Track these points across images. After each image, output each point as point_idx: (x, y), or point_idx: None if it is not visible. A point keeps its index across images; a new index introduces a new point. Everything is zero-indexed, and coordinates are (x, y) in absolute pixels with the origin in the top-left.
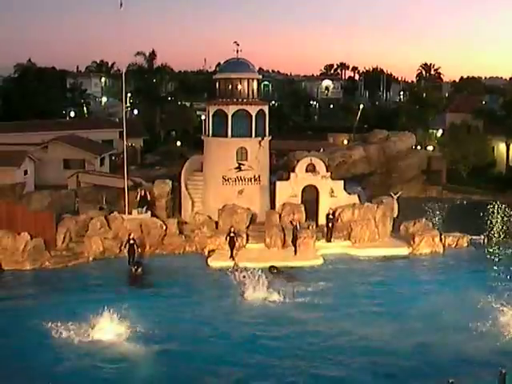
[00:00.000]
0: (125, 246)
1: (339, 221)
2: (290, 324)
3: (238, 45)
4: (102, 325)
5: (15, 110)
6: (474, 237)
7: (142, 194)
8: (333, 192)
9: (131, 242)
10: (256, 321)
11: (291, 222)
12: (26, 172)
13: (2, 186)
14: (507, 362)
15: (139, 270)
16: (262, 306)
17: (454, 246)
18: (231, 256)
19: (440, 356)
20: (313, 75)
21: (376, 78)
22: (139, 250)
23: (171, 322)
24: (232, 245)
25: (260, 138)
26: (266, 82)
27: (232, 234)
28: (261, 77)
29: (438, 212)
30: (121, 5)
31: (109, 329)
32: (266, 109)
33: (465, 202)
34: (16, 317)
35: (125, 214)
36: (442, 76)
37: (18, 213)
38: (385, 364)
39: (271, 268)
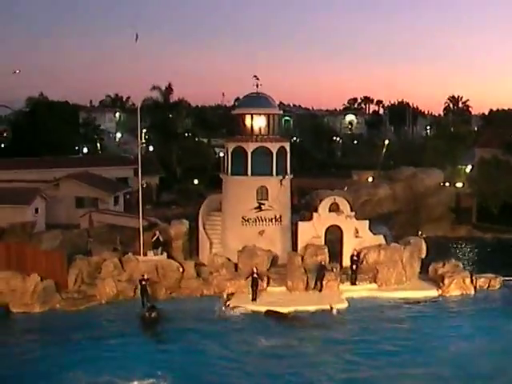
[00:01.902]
0: (137, 287)
1: (364, 262)
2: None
3: (257, 79)
4: None
5: (26, 145)
6: (506, 278)
7: (157, 234)
8: (357, 232)
9: (143, 282)
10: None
11: (320, 263)
12: (36, 210)
13: (12, 225)
14: None
15: (153, 314)
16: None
17: (485, 287)
18: (253, 299)
19: None
20: (336, 109)
21: (401, 112)
22: (150, 290)
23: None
24: (255, 287)
25: (281, 177)
26: (286, 118)
27: (255, 275)
28: (281, 112)
29: (468, 252)
30: (136, 38)
31: None
32: (287, 146)
33: (496, 241)
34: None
35: (140, 255)
36: (470, 109)
37: (28, 253)
38: None
39: (268, 312)
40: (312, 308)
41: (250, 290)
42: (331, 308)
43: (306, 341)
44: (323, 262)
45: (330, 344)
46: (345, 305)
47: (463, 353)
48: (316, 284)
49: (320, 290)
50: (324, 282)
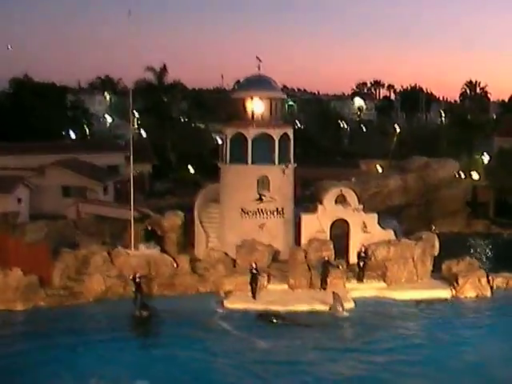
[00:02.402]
0: (130, 285)
1: (373, 259)
2: None
3: (260, 60)
4: None
5: (9, 129)
6: None
7: (149, 226)
8: (365, 227)
9: (137, 280)
10: None
11: (324, 259)
12: (19, 200)
13: None
14: None
15: (145, 313)
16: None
17: (503, 287)
18: (253, 296)
19: None
20: (343, 94)
21: (414, 98)
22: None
23: None
24: (254, 283)
25: (284, 166)
26: (290, 102)
27: (254, 271)
28: (285, 96)
29: (484, 249)
30: (129, 14)
31: None
32: (290, 132)
33: None
34: None
35: (130, 249)
36: (489, 95)
37: (10, 245)
38: None
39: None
40: (315, 307)
41: (249, 287)
42: (330, 308)
43: (305, 343)
44: (327, 258)
45: (331, 348)
46: (351, 304)
47: (480, 361)
48: (321, 282)
49: (324, 289)
50: (329, 280)
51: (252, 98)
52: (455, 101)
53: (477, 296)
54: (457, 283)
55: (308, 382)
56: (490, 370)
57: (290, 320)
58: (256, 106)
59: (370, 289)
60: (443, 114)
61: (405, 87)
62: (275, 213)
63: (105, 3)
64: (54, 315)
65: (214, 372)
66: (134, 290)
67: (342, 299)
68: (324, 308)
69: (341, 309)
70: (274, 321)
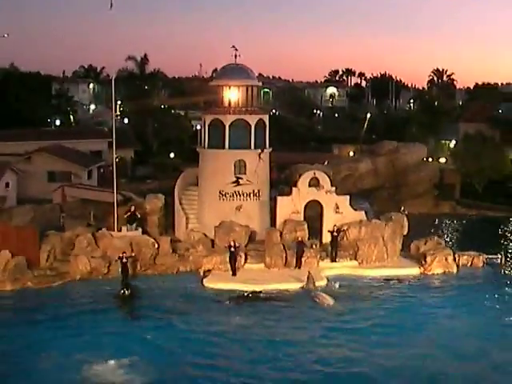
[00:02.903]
0: (119, 265)
1: (345, 239)
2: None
3: (236, 49)
4: None
5: None
6: (490, 256)
7: (131, 209)
8: (338, 208)
9: (124, 260)
10: None
11: (299, 239)
12: (7, 184)
13: None
14: None
15: (128, 292)
16: None
17: (468, 265)
18: (233, 274)
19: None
20: (316, 82)
21: (384, 85)
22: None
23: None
24: (233, 261)
25: (259, 150)
26: (266, 90)
27: (232, 249)
28: (261, 84)
29: (451, 229)
30: (111, 5)
31: None
32: (265, 118)
33: (480, 219)
34: None
35: (114, 231)
36: (455, 83)
37: None
38: None
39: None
40: (290, 285)
41: (228, 264)
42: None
43: (280, 319)
44: (301, 239)
45: (307, 323)
46: (323, 282)
47: (446, 332)
48: (296, 261)
49: (299, 267)
50: (303, 259)
51: (229, 86)
52: (423, 88)
53: (444, 273)
54: (425, 261)
55: (283, 354)
56: (455, 341)
57: (265, 299)
58: (232, 93)
59: (342, 267)
60: (412, 101)
61: (375, 75)
62: (251, 195)
63: None
64: (41, 294)
65: (196, 343)
66: (119, 269)
67: (316, 277)
68: (299, 285)
69: (313, 287)
70: (250, 295)
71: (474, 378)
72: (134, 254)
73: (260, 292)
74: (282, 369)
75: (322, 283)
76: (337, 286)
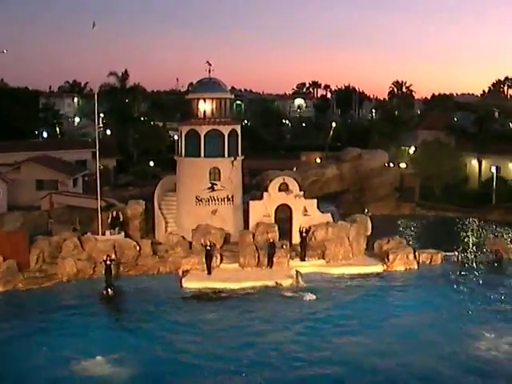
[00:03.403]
0: (102, 267)
1: (313, 239)
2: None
3: (210, 64)
4: None
5: None
6: (448, 253)
7: (114, 214)
8: (306, 211)
9: (108, 262)
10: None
11: (270, 240)
12: None
13: None
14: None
15: (111, 291)
16: None
17: (428, 262)
18: (209, 272)
19: (412, 374)
20: (285, 94)
21: (348, 96)
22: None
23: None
24: (209, 260)
25: (233, 158)
26: (238, 102)
27: (208, 247)
28: (233, 96)
29: (411, 229)
30: (93, 25)
31: None
32: (238, 128)
33: (438, 219)
34: None
35: (98, 234)
36: (413, 93)
37: None
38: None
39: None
40: (263, 283)
41: (204, 264)
42: (277, 284)
43: (252, 314)
44: (272, 240)
45: (278, 318)
46: (293, 280)
47: (406, 325)
48: (268, 261)
49: (271, 267)
50: (274, 259)
51: (203, 99)
52: (384, 99)
53: (405, 270)
54: (387, 259)
55: (257, 347)
56: (415, 332)
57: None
58: (207, 105)
59: (311, 266)
60: (373, 111)
61: (339, 87)
62: (226, 200)
63: (71, 16)
64: (31, 295)
65: (177, 342)
66: (103, 271)
67: (286, 275)
68: (270, 283)
69: (298, 283)
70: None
71: (430, 366)
72: (114, 258)
73: (221, 291)
74: (255, 358)
75: (290, 281)
76: (301, 282)
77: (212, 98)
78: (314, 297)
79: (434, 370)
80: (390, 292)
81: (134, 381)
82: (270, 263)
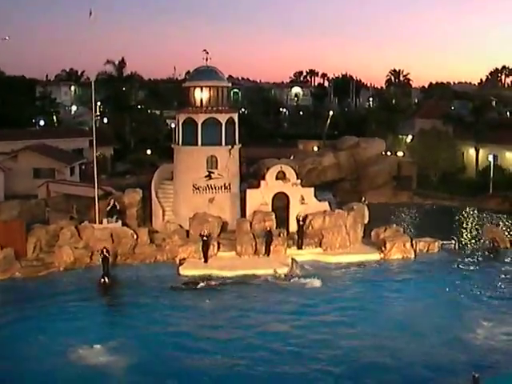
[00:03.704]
0: (98, 257)
1: (310, 228)
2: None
3: (207, 53)
4: None
5: None
6: (444, 242)
7: (112, 203)
8: (303, 199)
9: (105, 253)
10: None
11: (267, 229)
12: None
13: None
14: (476, 367)
15: (108, 280)
16: None
17: (425, 250)
18: (205, 260)
19: (411, 362)
20: (282, 82)
21: (345, 85)
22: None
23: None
24: (206, 248)
25: (230, 146)
26: (235, 90)
27: (205, 238)
28: (230, 84)
29: (408, 217)
30: (90, 14)
31: None
32: (235, 117)
33: (435, 208)
34: None
35: (95, 223)
36: (411, 82)
37: None
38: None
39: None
40: (259, 271)
41: (201, 252)
42: (275, 272)
43: (249, 301)
44: (270, 228)
45: (275, 306)
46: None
47: (404, 313)
48: (265, 249)
49: (268, 255)
50: (272, 247)
51: (201, 87)
52: (381, 87)
53: (402, 258)
54: (385, 247)
55: (255, 335)
56: (412, 320)
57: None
58: (204, 93)
59: (308, 254)
60: (371, 99)
61: (337, 75)
62: (223, 188)
63: (68, 3)
64: (28, 283)
65: (174, 328)
66: (100, 260)
67: (283, 263)
68: (268, 271)
69: (297, 272)
70: (199, 286)
71: (427, 354)
72: (108, 250)
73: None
74: (252, 346)
75: (286, 269)
76: (297, 270)
77: (209, 86)
78: (318, 283)
79: (431, 358)
80: (386, 280)
81: (131, 368)
82: (267, 251)
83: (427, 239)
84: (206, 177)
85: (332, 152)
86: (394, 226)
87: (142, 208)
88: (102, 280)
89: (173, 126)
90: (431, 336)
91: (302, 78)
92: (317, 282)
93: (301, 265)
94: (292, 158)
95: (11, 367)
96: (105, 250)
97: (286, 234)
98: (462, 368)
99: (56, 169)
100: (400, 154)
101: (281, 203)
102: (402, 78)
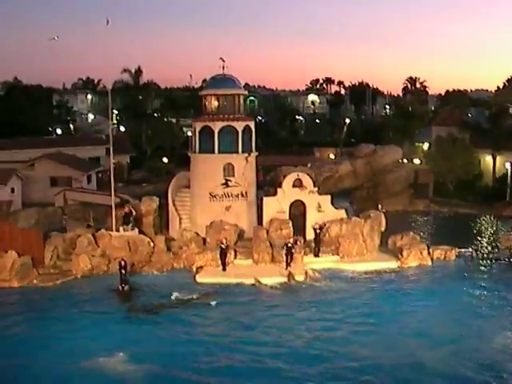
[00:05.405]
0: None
1: (327, 236)
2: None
3: (223, 61)
4: None
5: (2, 127)
6: (461, 249)
7: (127, 210)
8: (320, 207)
9: (122, 263)
10: None
11: (289, 244)
12: (13, 190)
13: None
14: (494, 377)
15: (126, 288)
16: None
17: (442, 258)
18: (223, 268)
19: (428, 372)
20: (298, 90)
21: (362, 92)
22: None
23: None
24: (223, 257)
25: (246, 154)
26: (251, 98)
27: (223, 246)
28: (247, 92)
29: (425, 225)
30: (107, 22)
31: None
32: (252, 124)
33: (452, 215)
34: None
35: (112, 231)
36: (427, 89)
37: (5, 231)
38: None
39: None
40: (276, 280)
41: (219, 260)
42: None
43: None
44: (290, 244)
45: (293, 315)
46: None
47: (422, 320)
48: (286, 263)
49: (287, 268)
50: (292, 264)
51: (217, 95)
52: (398, 95)
53: (419, 266)
54: (401, 255)
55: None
56: (430, 328)
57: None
58: (221, 101)
59: (325, 262)
60: (387, 107)
61: (353, 83)
62: (240, 196)
63: (84, 11)
64: (45, 291)
65: (193, 335)
66: (119, 269)
67: (300, 271)
68: (284, 279)
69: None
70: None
71: (445, 363)
72: (126, 261)
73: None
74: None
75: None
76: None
77: (225, 94)
78: (333, 291)
79: (449, 367)
80: (403, 288)
81: (149, 376)
82: (288, 266)
83: (444, 247)
84: (222, 184)
85: (349, 160)
86: (411, 233)
87: (159, 216)
88: (121, 287)
89: (189, 133)
90: (449, 344)
91: (318, 86)
92: (331, 290)
93: (317, 272)
94: (309, 165)
95: (30, 375)
96: (123, 262)
97: (302, 241)
98: (481, 379)
99: (73, 177)
100: (417, 161)
101: (297, 211)
102: (418, 86)
